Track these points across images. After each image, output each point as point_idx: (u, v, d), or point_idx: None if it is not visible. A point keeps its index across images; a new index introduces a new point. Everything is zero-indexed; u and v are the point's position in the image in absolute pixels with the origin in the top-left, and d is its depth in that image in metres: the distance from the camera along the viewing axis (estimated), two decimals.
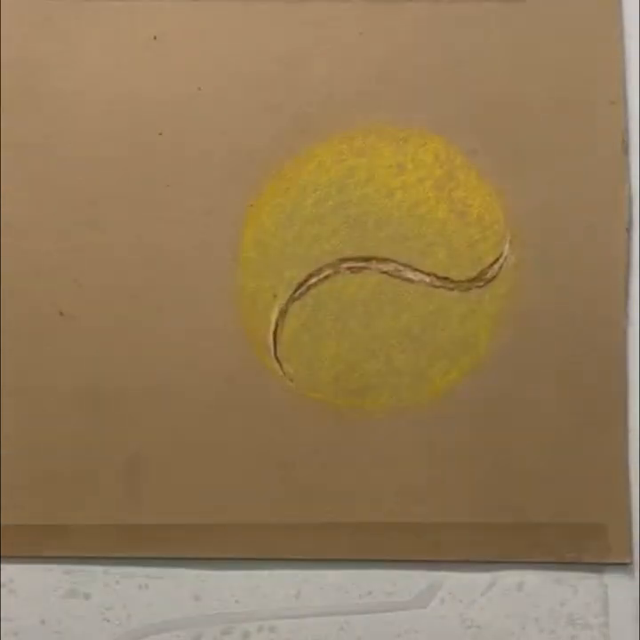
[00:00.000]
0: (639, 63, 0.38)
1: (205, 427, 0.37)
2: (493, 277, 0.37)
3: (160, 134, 0.37)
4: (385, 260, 0.37)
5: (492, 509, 0.36)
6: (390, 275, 0.37)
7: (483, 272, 0.37)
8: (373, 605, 0.37)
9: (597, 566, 0.37)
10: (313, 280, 0.37)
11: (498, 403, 0.36)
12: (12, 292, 0.37)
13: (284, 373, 0.37)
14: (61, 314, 0.37)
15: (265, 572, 0.37)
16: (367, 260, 0.37)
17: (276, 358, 0.36)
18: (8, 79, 0.37)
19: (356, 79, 0.37)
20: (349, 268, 0.37)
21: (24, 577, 0.37)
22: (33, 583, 0.37)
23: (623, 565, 0.37)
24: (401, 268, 0.37)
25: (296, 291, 0.37)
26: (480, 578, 0.37)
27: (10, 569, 0.37)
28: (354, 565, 0.36)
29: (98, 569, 0.37)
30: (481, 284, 0.37)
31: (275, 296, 0.37)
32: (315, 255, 0.37)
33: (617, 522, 0.36)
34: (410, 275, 0.37)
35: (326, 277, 0.37)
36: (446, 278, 0.37)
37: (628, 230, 0.37)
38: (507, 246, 0.37)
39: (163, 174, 0.37)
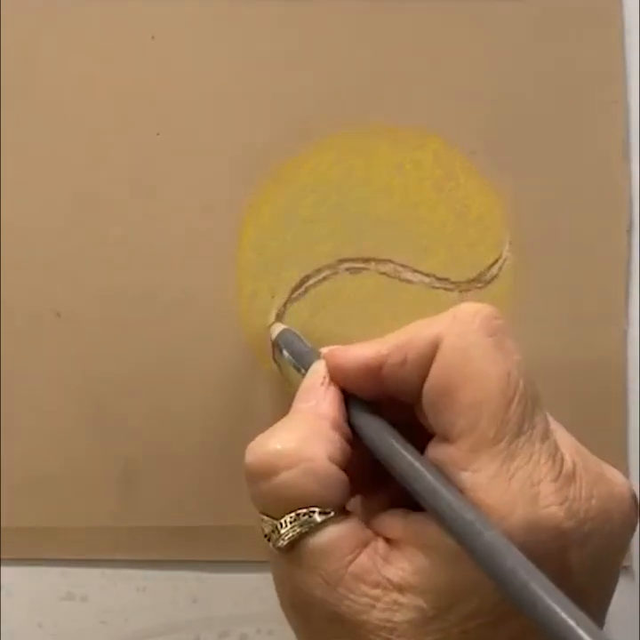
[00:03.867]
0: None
1: (203, 428, 0.36)
2: (493, 278, 0.37)
3: (158, 134, 0.37)
4: (384, 260, 0.37)
5: None
6: (389, 276, 0.37)
7: (482, 273, 0.37)
8: None
9: None
10: (311, 281, 0.37)
11: None
12: (8, 293, 0.36)
13: (283, 375, 0.36)
14: (58, 315, 0.36)
15: (263, 575, 0.36)
16: (366, 260, 0.37)
17: (275, 360, 0.36)
18: (7, 79, 0.36)
19: (355, 79, 0.37)
20: (348, 269, 0.37)
21: (21, 579, 0.37)
22: (30, 585, 0.37)
23: (623, 568, 0.36)
24: (400, 268, 0.37)
25: (294, 291, 0.37)
26: None
27: (6, 571, 0.37)
28: None
29: (95, 571, 0.37)
30: (480, 285, 0.37)
31: (273, 297, 0.37)
32: (313, 256, 0.37)
33: None
34: (409, 276, 0.37)
35: (325, 278, 0.37)
36: (446, 279, 0.37)
37: (629, 231, 0.37)
38: (506, 247, 0.37)
39: (160, 174, 0.37)
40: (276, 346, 0.35)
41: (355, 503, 0.26)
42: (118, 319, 0.36)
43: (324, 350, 0.28)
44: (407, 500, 0.25)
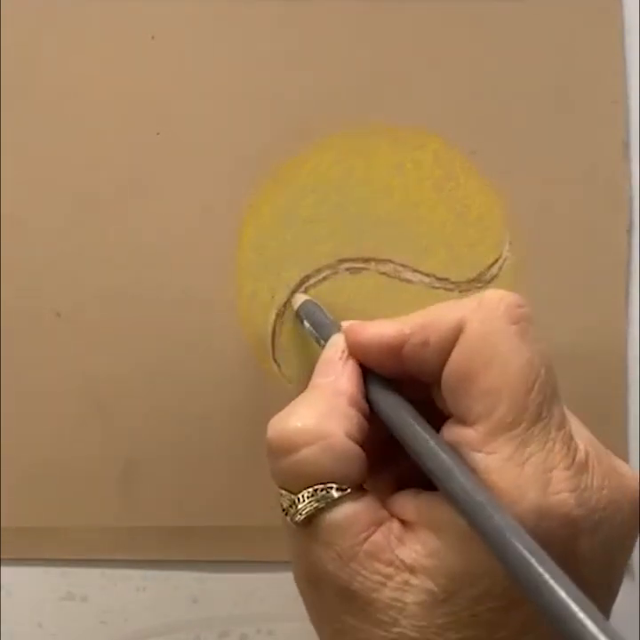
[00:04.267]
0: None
1: (203, 428, 0.36)
2: (493, 278, 0.37)
3: (158, 134, 0.37)
4: (384, 260, 0.37)
5: None
6: (389, 276, 0.37)
7: (482, 273, 0.37)
8: None
9: None
10: (311, 281, 0.37)
11: None
12: (8, 293, 0.36)
13: (283, 375, 0.36)
14: (58, 315, 0.36)
15: (263, 575, 0.36)
16: (366, 260, 0.37)
17: (275, 360, 0.36)
18: (7, 79, 0.36)
19: (355, 79, 0.37)
20: (348, 269, 0.37)
21: (21, 579, 0.37)
22: (30, 585, 0.37)
23: None
24: (400, 268, 0.37)
25: (294, 292, 0.37)
26: None
27: (6, 571, 0.37)
28: None
29: (95, 571, 0.37)
30: (480, 284, 0.37)
31: (273, 297, 0.37)
32: (313, 256, 0.37)
33: None
34: (409, 275, 0.37)
35: (325, 278, 0.37)
36: (446, 279, 0.37)
37: (629, 231, 0.37)
38: (506, 247, 0.37)
39: (160, 174, 0.37)
40: (297, 316, 0.35)
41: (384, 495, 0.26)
42: (118, 319, 0.36)
43: (344, 324, 0.28)
44: (414, 480, 0.25)
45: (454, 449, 0.24)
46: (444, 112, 0.37)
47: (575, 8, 0.37)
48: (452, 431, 0.25)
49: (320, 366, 0.28)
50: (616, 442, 0.37)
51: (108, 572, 0.37)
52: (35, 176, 0.37)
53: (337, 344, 0.28)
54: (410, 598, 0.23)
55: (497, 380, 0.24)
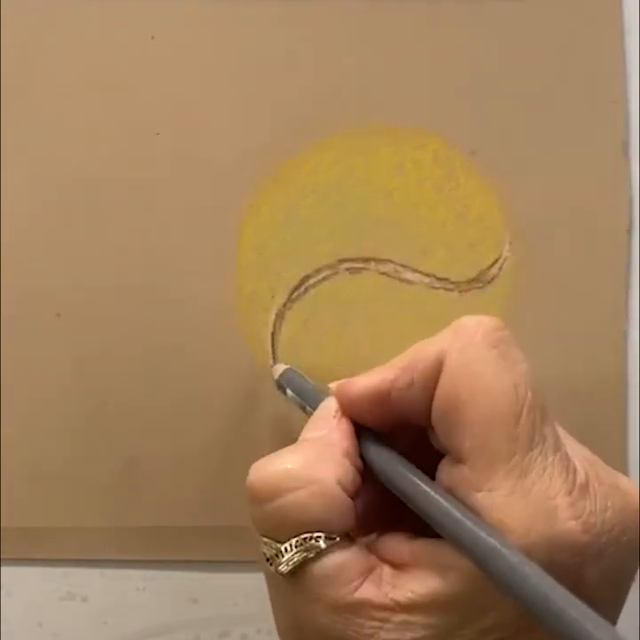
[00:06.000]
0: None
1: (203, 429, 0.36)
2: (493, 278, 0.37)
3: (157, 134, 0.37)
4: (384, 260, 0.37)
5: None
6: (389, 276, 0.37)
7: (482, 273, 0.37)
8: None
9: None
10: (311, 281, 0.37)
11: None
12: (8, 293, 0.36)
13: None
14: (58, 315, 0.37)
15: (263, 575, 0.36)
16: (366, 260, 0.37)
17: (275, 360, 0.36)
18: (7, 79, 0.36)
19: (355, 79, 0.37)
20: (348, 269, 0.37)
21: (21, 579, 0.37)
22: (30, 586, 0.37)
23: None
24: (400, 268, 0.37)
25: (294, 292, 0.37)
26: None
27: (6, 571, 0.37)
28: None
29: (95, 571, 0.37)
30: (480, 285, 0.37)
31: (273, 297, 0.37)
32: (313, 256, 0.37)
33: None
34: (409, 276, 0.37)
35: (325, 278, 0.37)
36: (446, 279, 0.37)
37: (629, 231, 0.37)
38: (506, 247, 0.37)
39: (160, 174, 0.37)
40: (279, 386, 0.34)
41: (371, 540, 0.26)
42: (118, 319, 0.36)
43: (332, 385, 0.27)
44: (425, 535, 0.25)
45: (454, 491, 0.23)
46: (444, 112, 0.37)
47: (575, 8, 0.37)
48: (449, 471, 0.24)
49: (311, 424, 0.27)
50: (615, 445, 0.37)
51: (108, 571, 0.37)
52: (35, 176, 0.37)
53: (329, 406, 0.27)
54: (409, 636, 0.23)
55: (484, 409, 0.23)
